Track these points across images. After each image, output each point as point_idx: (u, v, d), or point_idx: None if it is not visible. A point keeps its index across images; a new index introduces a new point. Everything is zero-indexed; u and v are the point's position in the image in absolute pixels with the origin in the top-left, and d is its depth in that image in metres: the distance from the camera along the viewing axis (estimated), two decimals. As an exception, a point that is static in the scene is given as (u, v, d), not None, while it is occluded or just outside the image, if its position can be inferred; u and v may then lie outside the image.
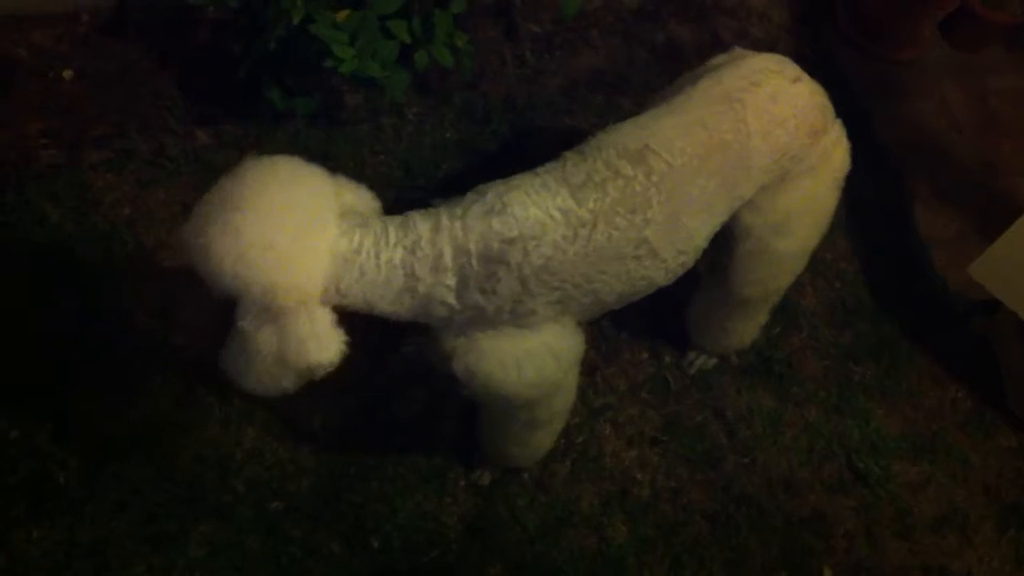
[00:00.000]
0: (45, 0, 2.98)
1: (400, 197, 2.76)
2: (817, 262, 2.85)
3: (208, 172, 2.82)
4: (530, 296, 1.84)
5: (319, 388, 2.57)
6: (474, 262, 1.79)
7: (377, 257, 1.78)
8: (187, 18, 2.96)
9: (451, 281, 1.81)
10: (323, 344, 1.75)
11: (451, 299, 1.83)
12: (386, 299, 1.83)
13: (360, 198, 1.91)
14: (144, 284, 2.71)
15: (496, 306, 1.83)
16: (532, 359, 1.93)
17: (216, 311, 2.63)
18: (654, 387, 2.73)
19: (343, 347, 1.78)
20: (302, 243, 1.70)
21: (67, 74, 2.95)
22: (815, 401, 2.77)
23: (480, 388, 1.96)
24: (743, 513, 2.62)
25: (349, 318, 1.83)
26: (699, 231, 1.96)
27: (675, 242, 1.92)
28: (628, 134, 1.91)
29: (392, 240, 1.79)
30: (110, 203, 2.79)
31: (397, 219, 1.83)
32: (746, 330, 2.60)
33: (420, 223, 1.81)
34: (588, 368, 2.70)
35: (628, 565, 2.53)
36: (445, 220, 1.81)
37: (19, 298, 2.65)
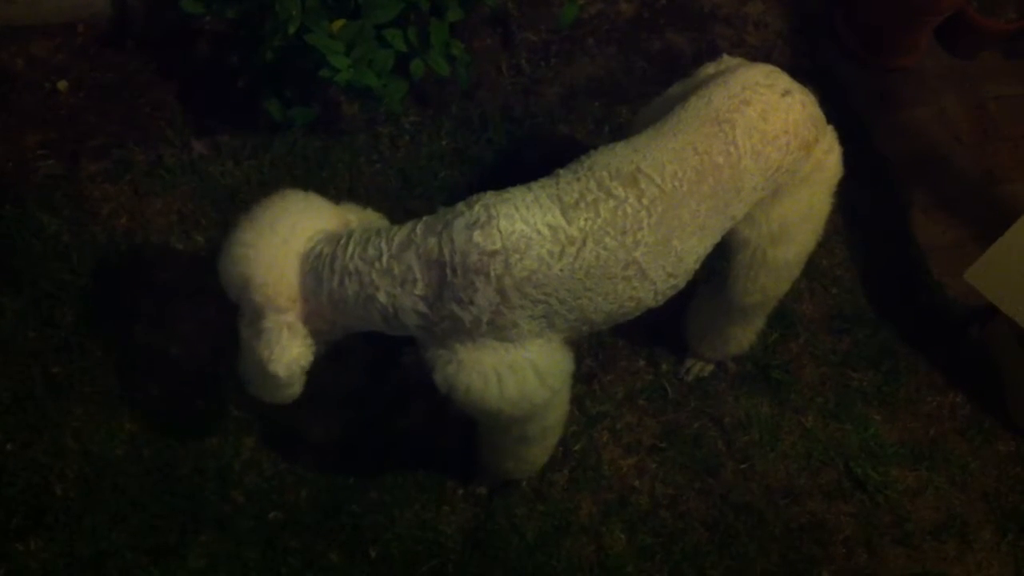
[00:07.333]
0: (42, 11, 2.98)
1: (397, 206, 2.77)
2: (814, 269, 2.85)
3: (205, 182, 2.83)
4: (510, 308, 1.85)
5: (318, 399, 2.60)
6: (449, 273, 1.82)
7: (332, 263, 1.88)
8: (185, 29, 2.97)
9: (421, 291, 1.85)
10: (282, 351, 1.88)
11: (423, 308, 1.87)
12: (347, 305, 1.90)
13: (367, 220, 2.06)
14: (142, 294, 2.71)
15: (473, 316, 1.84)
16: (514, 374, 1.93)
17: (213, 322, 2.65)
18: (652, 395, 2.72)
19: (300, 366, 1.91)
20: (276, 247, 1.88)
21: (62, 85, 2.95)
22: (813, 408, 2.76)
23: (461, 400, 1.97)
24: (742, 521, 2.61)
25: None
26: (690, 254, 1.96)
27: (665, 265, 1.93)
28: (621, 156, 1.92)
29: (350, 250, 1.88)
30: (108, 214, 2.79)
31: (362, 232, 1.91)
32: (745, 336, 2.60)
33: (386, 239, 1.87)
34: (585, 376, 2.70)
35: (627, 574, 2.53)
36: (418, 234, 1.86)
37: (16, 309, 2.65)
